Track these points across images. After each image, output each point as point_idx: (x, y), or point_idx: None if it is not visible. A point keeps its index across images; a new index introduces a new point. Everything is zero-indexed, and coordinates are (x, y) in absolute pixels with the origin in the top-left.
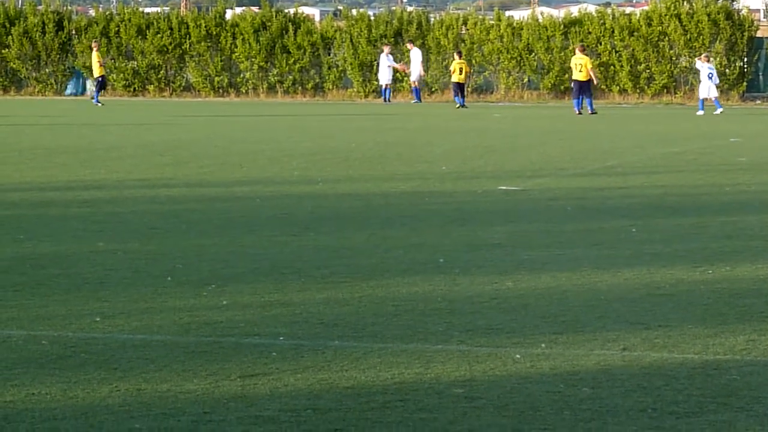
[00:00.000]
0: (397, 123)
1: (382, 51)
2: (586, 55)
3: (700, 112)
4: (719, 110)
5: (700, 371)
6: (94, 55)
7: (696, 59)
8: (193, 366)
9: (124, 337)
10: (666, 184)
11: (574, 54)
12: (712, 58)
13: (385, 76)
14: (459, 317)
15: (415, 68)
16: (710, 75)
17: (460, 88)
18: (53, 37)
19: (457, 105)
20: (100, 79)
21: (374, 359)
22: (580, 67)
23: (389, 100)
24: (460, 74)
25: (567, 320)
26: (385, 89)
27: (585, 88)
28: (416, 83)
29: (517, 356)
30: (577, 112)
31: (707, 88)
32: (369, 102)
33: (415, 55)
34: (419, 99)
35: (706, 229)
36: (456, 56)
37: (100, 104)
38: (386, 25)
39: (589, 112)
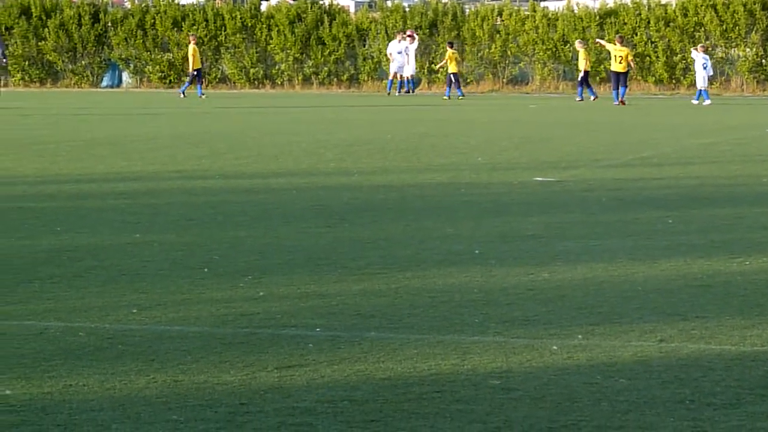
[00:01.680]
0: (432, 114)
1: (397, 39)
2: (625, 46)
3: (696, 102)
4: (707, 102)
5: (738, 362)
6: (191, 48)
7: (692, 49)
8: (230, 357)
9: (161, 329)
10: (702, 174)
11: (614, 45)
12: (709, 49)
13: (410, 67)
14: (495, 308)
15: (411, 61)
16: (704, 65)
17: (456, 78)
18: (89, 29)
19: (459, 96)
20: (195, 72)
21: (411, 350)
22: (620, 58)
23: (413, 91)
24: (456, 64)
25: (603, 311)
26: (409, 80)
27: (623, 80)
28: (412, 75)
29: (554, 347)
30: (617, 102)
31: (702, 78)
32: (404, 93)
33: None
34: (411, 91)
35: (743, 219)
36: (448, 47)
37: (203, 96)
38: (421, 16)
39: (620, 101)
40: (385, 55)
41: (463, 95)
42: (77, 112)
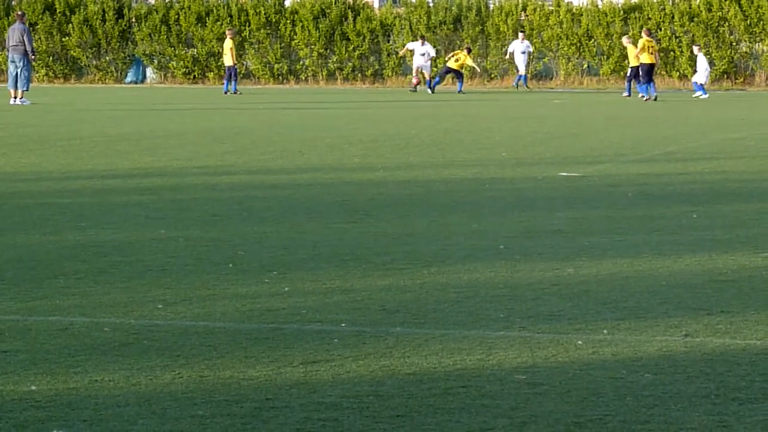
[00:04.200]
0: (456, 109)
1: (420, 42)
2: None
3: (705, 96)
4: (705, 96)
5: (763, 357)
6: (228, 42)
7: (694, 46)
8: (256, 353)
9: (187, 324)
10: (727, 169)
11: (642, 37)
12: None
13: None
14: (520, 304)
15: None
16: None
17: (458, 74)
18: (113, 24)
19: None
20: (231, 68)
21: (436, 346)
22: (652, 49)
23: (433, 89)
24: (456, 62)
25: (629, 306)
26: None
27: (652, 71)
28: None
29: (579, 342)
30: (652, 97)
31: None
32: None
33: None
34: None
35: None
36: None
37: (238, 93)
38: (445, 11)
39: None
40: (408, 51)
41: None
42: (101, 108)
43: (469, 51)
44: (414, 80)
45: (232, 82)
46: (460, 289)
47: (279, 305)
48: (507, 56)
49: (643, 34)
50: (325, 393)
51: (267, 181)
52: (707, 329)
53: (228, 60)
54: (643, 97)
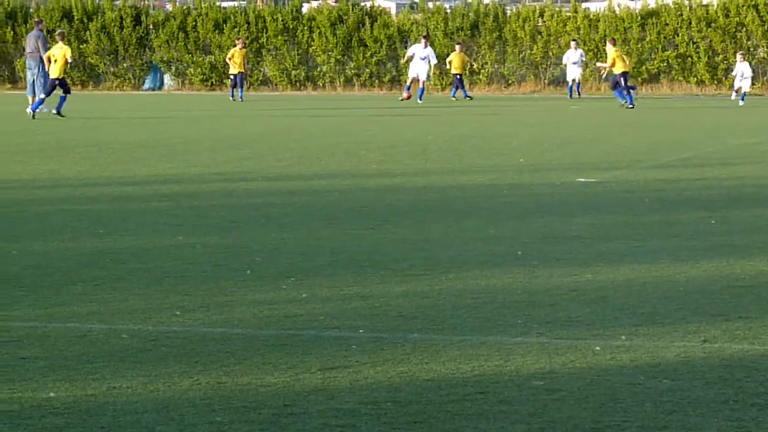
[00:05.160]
0: (472, 115)
1: (423, 44)
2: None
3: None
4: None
5: None
6: (234, 52)
7: (738, 54)
8: (273, 359)
9: (205, 331)
10: (744, 175)
11: (609, 47)
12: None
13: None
14: (538, 309)
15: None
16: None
17: (459, 80)
18: (131, 31)
19: (454, 98)
20: (236, 76)
21: (454, 352)
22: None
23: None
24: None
25: (646, 312)
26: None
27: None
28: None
29: (597, 348)
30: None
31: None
32: (445, 95)
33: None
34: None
35: None
36: (456, 47)
37: (237, 99)
38: (462, 17)
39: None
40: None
41: (470, 97)
42: (119, 115)
43: (460, 45)
44: (405, 94)
45: (239, 89)
46: (478, 294)
47: (296, 311)
48: (564, 65)
49: (608, 44)
50: (342, 399)
51: (284, 188)
52: (725, 335)
53: (233, 68)
54: (625, 104)
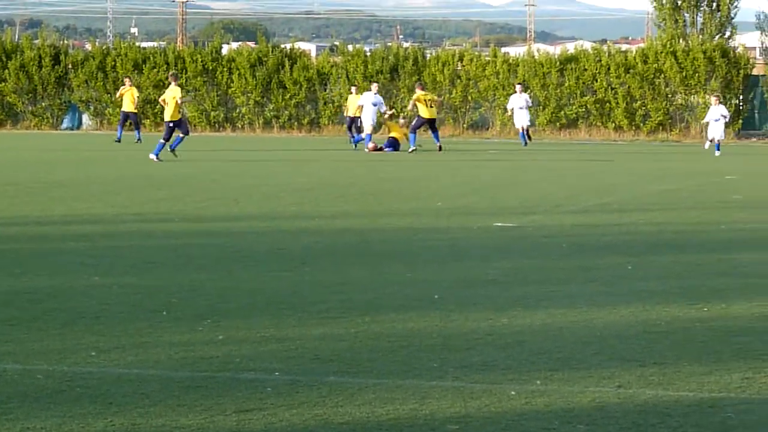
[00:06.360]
0: (392, 159)
1: (373, 90)
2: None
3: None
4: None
5: (696, 409)
6: (125, 90)
7: (712, 97)
8: (189, 401)
9: (120, 372)
10: (662, 221)
11: (420, 92)
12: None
13: (369, 120)
14: (454, 353)
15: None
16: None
17: (430, 123)
18: (50, 71)
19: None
20: (126, 115)
21: (369, 395)
22: (431, 102)
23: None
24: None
25: (562, 357)
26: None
27: (433, 124)
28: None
29: (512, 393)
30: (413, 147)
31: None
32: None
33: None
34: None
35: (702, 266)
36: (418, 89)
37: (120, 141)
38: (382, 60)
39: (438, 145)
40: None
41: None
42: (37, 154)
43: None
44: (370, 145)
45: (136, 130)
46: (394, 338)
47: (213, 353)
48: (509, 113)
49: (416, 88)
50: None
51: (202, 229)
52: (640, 380)
53: (127, 106)
54: (410, 149)
